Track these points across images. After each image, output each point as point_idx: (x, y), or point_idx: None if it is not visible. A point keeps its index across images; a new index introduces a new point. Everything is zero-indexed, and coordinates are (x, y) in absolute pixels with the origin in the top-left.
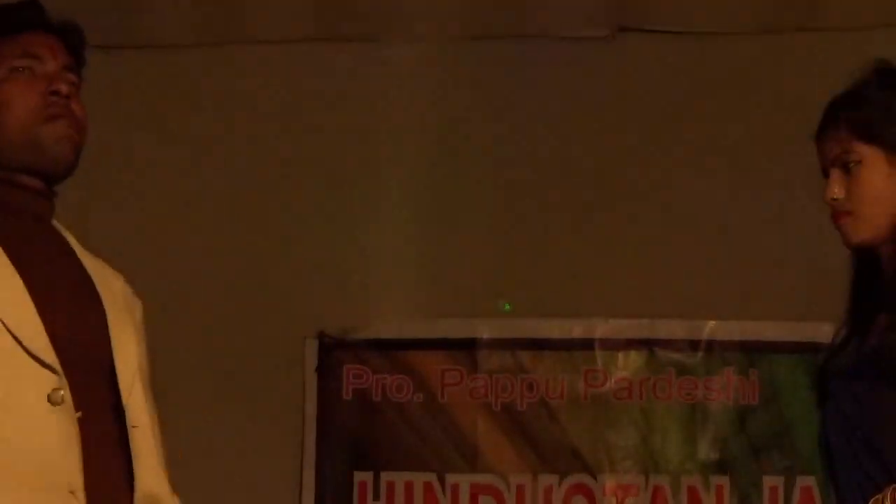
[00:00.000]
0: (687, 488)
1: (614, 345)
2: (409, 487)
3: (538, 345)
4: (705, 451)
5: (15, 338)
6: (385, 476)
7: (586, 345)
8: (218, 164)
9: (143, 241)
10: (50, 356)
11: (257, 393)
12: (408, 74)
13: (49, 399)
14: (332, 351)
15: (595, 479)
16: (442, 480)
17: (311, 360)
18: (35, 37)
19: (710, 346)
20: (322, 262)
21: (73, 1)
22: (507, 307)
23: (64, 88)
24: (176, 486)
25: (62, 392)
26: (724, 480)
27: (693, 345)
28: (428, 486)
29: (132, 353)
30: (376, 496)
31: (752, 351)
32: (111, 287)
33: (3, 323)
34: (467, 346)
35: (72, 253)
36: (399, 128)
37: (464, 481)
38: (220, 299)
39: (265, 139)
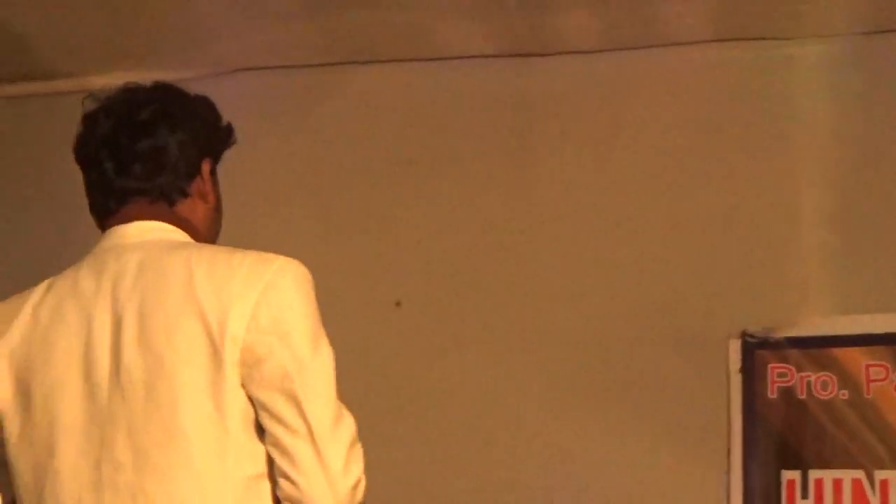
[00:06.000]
0: None
1: None
2: (837, 485)
3: None
4: None
5: None
6: (813, 474)
7: None
8: (616, 161)
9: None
10: None
11: (681, 395)
12: (817, 71)
13: None
14: (756, 350)
15: None
16: (871, 478)
17: (735, 360)
18: None
19: None
20: (743, 261)
21: None
22: None
23: None
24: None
25: None
26: None
27: None
28: (857, 484)
29: None
30: (804, 494)
31: None
32: None
33: None
34: (891, 341)
35: None
36: (813, 124)
37: (893, 478)
38: (641, 301)
39: (667, 140)
